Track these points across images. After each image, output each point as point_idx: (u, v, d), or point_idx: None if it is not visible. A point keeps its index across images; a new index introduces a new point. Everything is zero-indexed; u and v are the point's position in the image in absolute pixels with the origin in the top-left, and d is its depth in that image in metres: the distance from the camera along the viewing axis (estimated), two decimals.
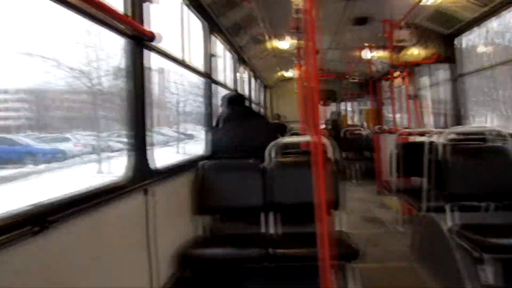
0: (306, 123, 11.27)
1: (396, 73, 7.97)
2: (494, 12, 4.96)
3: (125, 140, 2.54)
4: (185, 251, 2.89)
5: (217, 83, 4.91)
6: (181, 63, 3.63)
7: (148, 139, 2.60)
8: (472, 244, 2.80)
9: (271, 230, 3.32)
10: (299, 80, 7.18)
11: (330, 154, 3.44)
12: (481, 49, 7.45)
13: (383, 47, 7.90)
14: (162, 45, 2.87)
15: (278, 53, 8.50)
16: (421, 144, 4.07)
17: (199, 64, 4.46)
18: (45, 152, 13.96)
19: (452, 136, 5.05)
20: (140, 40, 2.51)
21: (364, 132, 10.65)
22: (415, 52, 7.44)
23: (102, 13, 2.00)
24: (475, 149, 3.56)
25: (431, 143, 3.92)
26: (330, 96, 14.10)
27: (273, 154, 3.71)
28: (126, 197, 2.26)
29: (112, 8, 2.05)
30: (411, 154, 4.40)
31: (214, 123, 4.26)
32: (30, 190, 9.46)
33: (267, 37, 7.34)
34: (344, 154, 10.70)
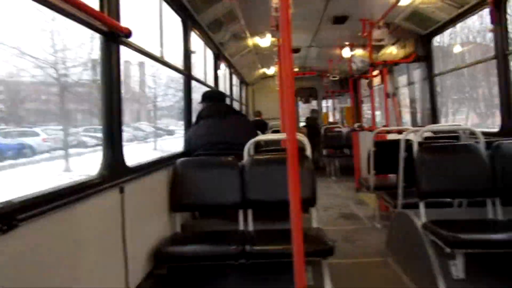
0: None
1: (375, 72, 8.08)
2: (468, 13, 5.08)
3: (100, 135, 2.51)
4: (162, 248, 2.88)
5: (196, 79, 4.88)
6: (159, 59, 3.59)
7: (124, 135, 2.58)
8: (444, 240, 2.87)
9: (248, 227, 3.34)
10: (278, 78, 7.21)
11: (308, 151, 3.46)
12: (456, 48, 7.63)
13: (363, 46, 8.00)
14: (139, 41, 2.84)
15: (259, 50, 8.50)
16: (398, 142, 4.14)
17: (178, 61, 4.44)
18: (9, 148, 13.14)
19: (428, 134, 5.17)
20: (114, 36, 2.49)
21: (344, 129, 10.77)
22: (394, 51, 7.57)
23: (74, 8, 1.97)
24: (448, 147, 3.65)
25: (406, 141, 4.00)
26: (311, 94, 14.20)
27: (251, 152, 3.73)
28: (100, 194, 2.24)
29: (85, 3, 2.02)
30: (388, 152, 4.48)
31: (193, 120, 4.24)
32: None
33: (247, 34, 7.33)
34: (324, 151, 10.83)
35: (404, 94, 8.52)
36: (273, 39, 6.26)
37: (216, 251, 2.83)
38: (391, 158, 4.16)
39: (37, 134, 14.73)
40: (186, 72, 4.40)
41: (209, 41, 5.99)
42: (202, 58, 6.17)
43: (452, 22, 5.62)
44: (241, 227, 3.36)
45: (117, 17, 2.53)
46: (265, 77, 12.87)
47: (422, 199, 3.39)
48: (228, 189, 3.39)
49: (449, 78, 6.12)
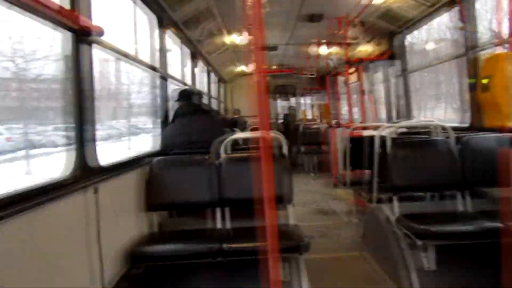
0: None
1: (351, 69, 8.20)
2: (438, 11, 5.20)
3: (71, 134, 2.47)
4: (136, 248, 2.86)
5: (172, 78, 4.85)
6: (132, 58, 3.56)
7: (95, 134, 2.55)
8: (415, 233, 2.95)
9: (225, 225, 3.35)
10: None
11: (284, 149, 3.49)
12: (432, 45, 7.79)
13: (339, 44, 8.09)
14: (112, 39, 2.81)
15: (236, 48, 8.49)
16: (373, 138, 4.22)
17: (152, 59, 4.40)
18: None
19: (402, 130, 5.28)
20: (85, 35, 2.45)
21: (322, 126, 10.89)
22: (369, 48, 7.69)
23: (41, 6, 1.94)
24: (419, 143, 3.74)
25: (380, 137, 4.08)
26: (289, 91, 14.29)
27: (227, 150, 3.74)
28: (73, 195, 2.21)
29: (53, 1, 1.99)
30: (363, 148, 4.55)
31: (168, 118, 4.22)
32: None
33: (224, 32, 7.32)
34: (302, 148, 10.92)
35: (380, 90, 8.67)
36: (250, 37, 6.27)
37: (193, 249, 2.84)
38: (366, 154, 4.24)
39: None
40: (162, 71, 4.37)
41: (185, 39, 5.96)
42: (177, 56, 6.13)
43: (423, 20, 5.75)
44: (218, 225, 3.36)
45: (89, 16, 2.51)
46: (243, 74, 12.88)
47: (395, 193, 3.47)
48: (204, 188, 3.39)
49: (427, 74, 6.27)
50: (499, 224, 2.84)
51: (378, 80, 8.69)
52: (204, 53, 7.66)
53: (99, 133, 2.66)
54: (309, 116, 14.92)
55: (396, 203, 3.45)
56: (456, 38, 4.80)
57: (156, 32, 4.45)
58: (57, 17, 2.16)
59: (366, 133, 6.02)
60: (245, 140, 4.85)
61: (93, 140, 2.53)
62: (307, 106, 15.61)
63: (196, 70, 6.79)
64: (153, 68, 4.25)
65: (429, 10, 5.33)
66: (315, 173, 9.97)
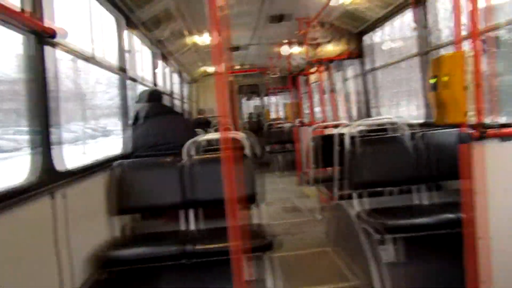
0: (229, 118, 11.31)
1: (313, 69, 8.35)
2: (394, 13, 5.41)
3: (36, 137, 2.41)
4: (101, 253, 2.82)
5: (133, 79, 4.78)
6: (92, 59, 3.48)
7: (55, 137, 2.49)
8: (374, 227, 3.07)
9: (191, 227, 3.35)
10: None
11: (247, 149, 3.53)
12: (388, 45, 8.06)
13: (301, 44, 8.23)
14: (71, 40, 2.76)
15: (199, 48, 8.45)
16: (334, 136, 4.33)
17: (114, 60, 4.32)
18: None
19: (362, 127, 5.44)
20: (46, 36, 2.40)
21: (287, 125, 11.03)
22: (330, 48, 7.85)
23: (1, 8, 1.88)
24: (377, 140, 3.88)
25: (341, 135, 4.18)
26: (254, 91, 14.36)
27: (192, 151, 3.73)
28: (30, 201, 2.15)
29: (6, 4, 1.93)
30: (326, 146, 4.66)
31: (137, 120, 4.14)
32: None
33: (188, 32, 7.27)
34: (267, 147, 11.02)
35: (341, 89, 8.87)
36: (214, 37, 6.26)
37: (160, 252, 2.82)
38: (328, 152, 4.34)
39: None
40: (122, 72, 4.30)
41: (147, 39, 5.87)
42: (141, 56, 6.03)
43: (380, 21, 5.96)
44: (184, 227, 3.36)
45: (52, 18, 2.46)
46: (207, 74, 12.82)
47: (355, 190, 3.59)
48: (169, 190, 3.37)
49: (391, 73, 6.50)
50: (454, 215, 3.00)
51: (340, 80, 8.90)
52: (168, 53, 7.58)
53: (66, 136, 2.60)
54: (278, 115, 15.06)
55: (357, 199, 3.57)
56: (417, 37, 4.98)
57: (121, 32, 4.37)
58: (18, 20, 2.11)
59: (328, 131, 6.17)
60: (211, 141, 4.85)
61: (59, 143, 2.47)
62: (273, 106, 15.74)
63: (159, 70, 6.70)
64: (116, 70, 4.17)
65: (387, 11, 5.52)
66: (280, 172, 10.09)
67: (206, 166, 3.43)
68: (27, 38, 2.35)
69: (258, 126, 11.92)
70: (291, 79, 9.93)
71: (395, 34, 6.28)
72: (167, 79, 8.21)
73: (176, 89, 9.47)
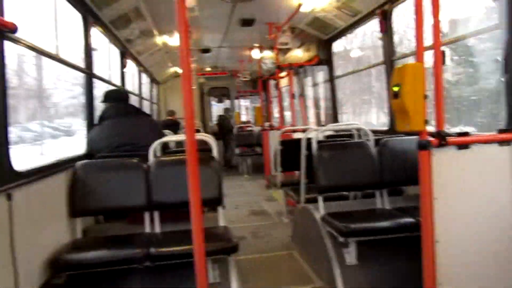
0: (199, 119, 11.22)
1: (283, 73, 8.43)
2: (361, 21, 5.55)
3: None
4: (60, 256, 2.73)
5: (99, 78, 4.67)
6: (55, 57, 3.38)
7: (8, 136, 2.39)
8: (337, 230, 3.13)
9: (156, 230, 3.30)
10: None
11: (214, 151, 3.52)
12: (356, 52, 8.26)
13: (271, 48, 8.29)
14: (32, 37, 2.66)
15: (168, 49, 8.35)
16: (301, 140, 4.39)
17: (79, 58, 4.21)
18: None
19: (329, 132, 5.55)
20: (1, 31, 2.31)
21: (256, 128, 11.08)
22: (299, 54, 7.96)
23: None
24: (342, 145, 3.97)
25: (308, 139, 4.25)
26: (224, 93, 14.33)
27: (158, 153, 3.68)
28: None
29: None
30: (293, 150, 4.71)
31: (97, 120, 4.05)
32: None
33: (156, 33, 7.17)
34: (236, 150, 11.03)
35: (310, 95, 9.01)
36: (180, 38, 6.21)
37: (119, 255, 2.76)
38: (296, 156, 4.40)
39: None
40: (87, 70, 4.19)
41: (114, 38, 5.75)
42: (107, 56, 5.91)
43: (348, 29, 6.10)
44: (147, 229, 3.31)
45: (1, 12, 2.35)
46: (177, 75, 12.69)
47: (320, 193, 3.65)
48: (133, 192, 3.32)
49: (360, 80, 6.65)
50: (413, 220, 3.11)
51: (309, 85, 9.04)
52: (136, 53, 7.45)
53: (25, 135, 2.49)
54: (248, 118, 15.09)
55: (321, 203, 3.63)
56: (383, 46, 5.12)
57: (87, 30, 4.25)
58: None
59: (296, 135, 6.25)
60: (179, 143, 4.80)
61: (4, 142, 2.37)
62: (244, 109, 15.76)
63: (126, 70, 6.57)
64: (78, 68, 4.06)
65: (353, 20, 5.65)
66: (248, 175, 10.12)
67: (171, 168, 3.40)
68: None
69: (227, 128, 11.90)
70: (261, 83, 9.99)
71: (364, 42, 6.46)
72: (136, 79, 8.07)
73: (145, 89, 9.32)
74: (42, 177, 2.77)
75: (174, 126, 8.35)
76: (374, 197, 3.80)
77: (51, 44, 3.39)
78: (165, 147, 4.05)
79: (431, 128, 2.51)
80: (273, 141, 7.13)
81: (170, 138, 4.04)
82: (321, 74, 7.97)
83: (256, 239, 4.92)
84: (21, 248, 2.39)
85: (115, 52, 6.23)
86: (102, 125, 3.80)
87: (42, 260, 2.67)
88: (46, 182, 2.84)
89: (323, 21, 6.15)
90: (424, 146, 2.46)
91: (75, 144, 4.22)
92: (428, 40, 2.44)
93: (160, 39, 7.60)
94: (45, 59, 3.27)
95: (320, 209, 3.61)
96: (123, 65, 6.33)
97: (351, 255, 3.21)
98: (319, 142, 3.85)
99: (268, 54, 9.17)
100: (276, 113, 11.31)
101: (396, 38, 4.95)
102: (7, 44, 2.42)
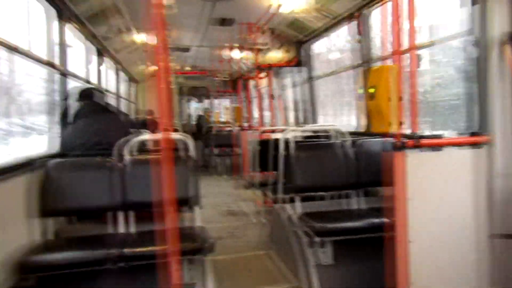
0: (174, 119, 11.13)
1: (262, 74, 8.44)
2: (339, 24, 5.61)
3: None
4: (28, 258, 2.64)
5: (74, 75, 4.56)
6: (15, 50, 3.26)
7: None
8: (313, 230, 3.15)
9: (123, 230, 3.24)
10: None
11: (190, 151, 3.48)
12: (333, 54, 8.35)
13: (251, 49, 8.29)
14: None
15: (147, 47, 8.24)
16: (276, 141, 4.40)
17: (44, 53, 4.08)
18: None
19: (307, 133, 5.58)
20: None
21: (234, 128, 11.05)
22: (279, 55, 7.99)
23: None
24: (318, 146, 4.00)
25: (285, 140, 4.26)
26: (203, 93, 14.25)
27: (127, 152, 3.60)
28: None
29: None
30: (268, 151, 4.72)
31: (68, 118, 3.95)
32: None
33: (133, 31, 7.07)
34: (215, 150, 10.97)
35: (288, 96, 9.04)
36: (157, 36, 6.13)
37: (91, 256, 2.70)
38: (274, 156, 4.40)
39: None
40: (61, 67, 4.08)
41: (90, 35, 5.64)
42: (76, 52, 5.77)
43: (327, 30, 6.15)
44: (121, 229, 3.25)
45: None
46: (154, 74, 12.50)
47: (297, 193, 3.67)
48: (105, 191, 3.24)
49: (336, 82, 6.72)
50: (380, 220, 3.16)
51: (288, 86, 9.07)
52: (112, 50, 7.32)
53: None
54: (226, 119, 15.02)
55: (298, 203, 3.64)
56: (353, 50, 5.19)
57: (52, 25, 4.14)
58: None
59: (274, 136, 6.25)
60: (156, 142, 4.72)
61: None
62: (222, 108, 15.67)
63: (101, 68, 6.45)
64: (51, 64, 3.96)
65: (332, 22, 5.71)
66: (227, 175, 10.08)
67: (140, 167, 3.33)
68: None
69: (206, 129, 11.84)
70: (240, 83, 9.97)
71: (340, 45, 6.52)
72: (108, 77, 7.92)
73: (118, 88, 9.17)
74: (4, 177, 2.68)
75: (152, 125, 8.24)
76: (350, 197, 3.83)
77: (11, 36, 3.26)
78: (134, 146, 3.98)
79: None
80: (252, 141, 7.13)
81: (139, 137, 3.96)
82: (299, 76, 8.00)
83: (233, 239, 4.90)
84: None
85: (84, 48, 6.09)
86: (75, 123, 3.71)
87: (9, 261, 2.58)
88: (9, 181, 2.76)
89: (302, 22, 6.18)
90: (398, 147, 2.50)
91: (41, 142, 4.09)
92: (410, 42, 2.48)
93: (138, 37, 7.50)
94: (16, 56, 3.15)
95: (297, 209, 3.62)
96: (99, 63, 6.21)
97: (326, 255, 3.24)
98: (296, 142, 3.86)
99: (248, 54, 9.16)
100: (256, 113, 11.31)
101: (378, 41, 5.00)
102: None
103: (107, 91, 8.14)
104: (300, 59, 7.02)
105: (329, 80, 6.95)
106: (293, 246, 3.39)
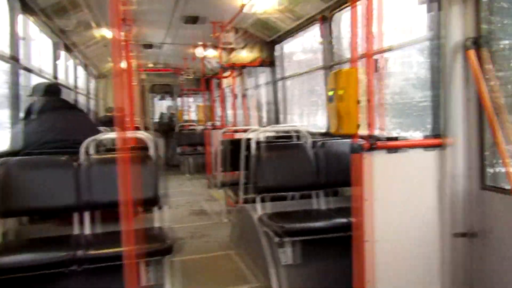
0: (140, 116, 10.90)
1: (226, 73, 8.40)
2: (303, 26, 5.68)
3: None
4: None
5: (27, 69, 4.36)
6: None
7: None
8: (273, 230, 3.16)
9: (86, 231, 3.14)
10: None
11: (151, 150, 3.41)
12: (299, 55, 8.44)
13: (215, 47, 8.23)
14: None
15: (108, 42, 8.00)
16: (242, 140, 4.39)
17: (4, 46, 3.90)
18: None
19: (270, 134, 5.60)
20: None
21: (199, 127, 10.95)
22: (244, 54, 7.97)
23: None
24: (281, 146, 4.03)
25: (249, 139, 4.26)
26: (167, 91, 14.01)
27: (92, 150, 3.49)
28: None
29: None
30: (234, 150, 4.71)
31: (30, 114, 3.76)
32: None
33: (96, 25, 6.83)
34: (178, 149, 10.84)
35: (254, 95, 9.06)
36: (122, 32, 5.97)
37: (55, 258, 2.60)
38: (236, 156, 4.40)
39: None
40: (13, 60, 3.89)
41: (47, 28, 5.40)
42: (38, 46, 5.53)
43: (292, 32, 6.21)
44: (78, 231, 3.14)
45: None
46: (122, 70, 12.15)
47: (259, 194, 3.67)
48: (62, 191, 3.12)
49: (305, 82, 6.78)
50: (346, 220, 3.21)
51: (251, 86, 9.08)
52: (73, 45, 7.05)
53: None
54: (190, 117, 14.82)
55: (259, 203, 3.65)
56: (323, 51, 5.25)
57: (14, 17, 3.93)
58: None
59: (238, 135, 6.25)
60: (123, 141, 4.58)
61: None
62: (187, 107, 15.45)
63: (64, 62, 6.20)
64: (9, 57, 3.76)
65: (298, 24, 5.76)
66: (190, 174, 9.98)
67: (104, 166, 3.24)
68: None
69: (169, 127, 11.65)
70: (204, 82, 9.88)
71: (306, 46, 6.59)
72: (71, 73, 7.64)
73: (82, 84, 8.87)
74: None
75: (112, 123, 8.01)
76: (318, 197, 3.87)
77: None
78: (99, 144, 3.86)
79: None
80: (215, 141, 7.09)
81: (105, 135, 3.86)
82: (264, 76, 8.03)
83: (195, 239, 4.85)
84: None
85: (48, 42, 5.85)
86: (29, 119, 3.53)
87: None
88: None
89: (267, 23, 6.21)
90: (355, 149, 2.55)
91: (5, 139, 3.86)
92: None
93: (98, 32, 7.26)
94: None
95: (258, 210, 3.63)
96: (56, 57, 5.97)
97: (286, 255, 3.25)
98: (259, 142, 3.87)
99: (212, 53, 9.09)
100: (219, 113, 11.26)
101: (344, 43, 5.07)
102: None
103: (75, 87, 7.86)
104: (268, 59, 7.05)
105: (301, 80, 7.02)
106: (261, 246, 3.39)
